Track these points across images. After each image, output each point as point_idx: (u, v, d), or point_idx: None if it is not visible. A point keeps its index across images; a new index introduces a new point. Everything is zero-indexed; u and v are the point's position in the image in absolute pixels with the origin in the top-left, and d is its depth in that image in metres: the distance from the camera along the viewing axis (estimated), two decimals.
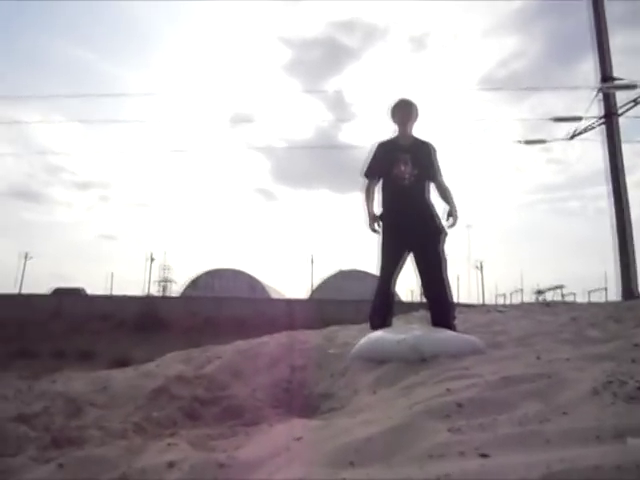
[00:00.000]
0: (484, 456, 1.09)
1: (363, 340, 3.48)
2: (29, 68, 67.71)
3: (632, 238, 16.43)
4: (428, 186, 4.19)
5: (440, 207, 4.21)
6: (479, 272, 39.11)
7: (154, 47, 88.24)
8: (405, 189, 4.09)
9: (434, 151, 4.26)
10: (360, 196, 4.27)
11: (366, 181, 4.27)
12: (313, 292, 36.62)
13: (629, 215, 16.57)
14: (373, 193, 4.23)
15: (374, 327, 3.94)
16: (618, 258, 16.45)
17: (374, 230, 4.12)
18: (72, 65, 71.91)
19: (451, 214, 4.08)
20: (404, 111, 4.24)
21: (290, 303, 27.58)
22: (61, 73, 70.13)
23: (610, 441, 1.06)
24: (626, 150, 17.42)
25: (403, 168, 4.12)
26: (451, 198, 4.15)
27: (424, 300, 4.43)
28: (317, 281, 38.64)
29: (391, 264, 4.10)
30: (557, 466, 0.90)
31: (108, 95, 52.23)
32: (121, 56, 79.24)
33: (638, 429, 1.10)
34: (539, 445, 1.10)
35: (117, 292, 32.84)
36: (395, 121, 4.27)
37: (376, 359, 3.17)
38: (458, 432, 1.30)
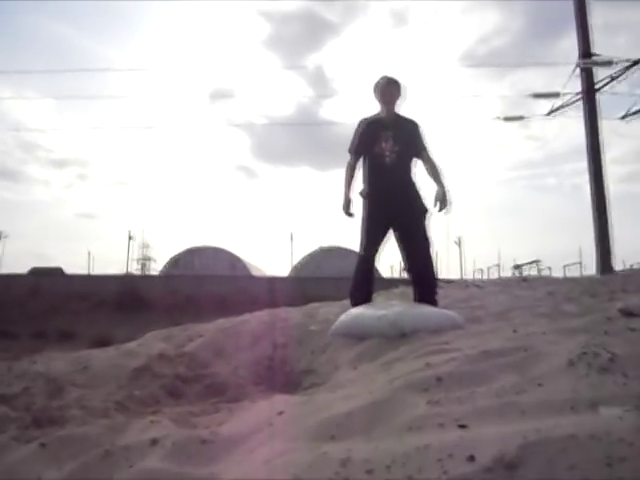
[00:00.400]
0: (462, 427, 1.11)
1: (343, 316, 3.51)
2: (2, 42, 65.67)
3: (608, 213, 16.70)
4: (411, 163, 4.18)
5: (429, 186, 4.18)
6: (458, 248, 39.47)
7: (132, 22, 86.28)
8: (387, 166, 4.08)
9: (418, 128, 4.23)
10: (343, 173, 4.26)
11: (351, 158, 4.26)
12: (293, 269, 36.69)
13: (606, 191, 16.83)
14: (354, 171, 4.22)
15: (355, 304, 3.97)
16: (595, 233, 16.73)
17: (348, 214, 4.13)
18: (49, 40, 70.15)
19: (439, 198, 4.02)
20: (388, 90, 4.21)
21: (271, 281, 27.60)
22: (37, 48, 68.41)
23: (584, 411, 1.09)
24: (603, 126, 17.59)
25: (384, 145, 4.11)
26: (440, 177, 4.10)
27: (404, 276, 4.49)
28: (297, 258, 38.72)
29: (372, 241, 4.11)
30: (533, 436, 0.92)
31: (84, 70, 51.12)
32: (99, 32, 77.39)
33: (610, 399, 1.14)
34: (516, 416, 1.13)
35: (96, 271, 32.58)
36: (378, 99, 4.24)
37: (357, 335, 3.20)
38: (437, 405, 1.33)
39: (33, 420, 2.32)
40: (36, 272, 30.53)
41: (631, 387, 1.21)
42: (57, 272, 31.17)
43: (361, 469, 0.99)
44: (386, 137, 4.12)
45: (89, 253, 35.40)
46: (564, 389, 1.26)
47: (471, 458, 0.91)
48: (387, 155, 4.08)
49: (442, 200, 4.01)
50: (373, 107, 4.34)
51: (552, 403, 1.16)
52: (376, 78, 4.31)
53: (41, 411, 2.45)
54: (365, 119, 4.30)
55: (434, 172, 4.12)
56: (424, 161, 4.16)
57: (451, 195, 4.07)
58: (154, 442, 1.64)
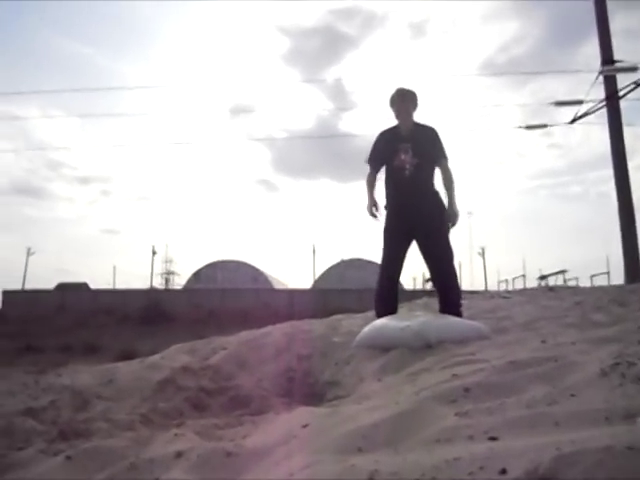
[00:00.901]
0: (493, 439, 1.08)
1: (367, 328, 3.48)
2: (27, 63, 67.45)
3: (635, 221, 16.38)
4: (433, 173, 4.17)
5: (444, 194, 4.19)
6: (481, 258, 39.03)
7: (152, 40, 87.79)
8: (407, 179, 4.09)
9: (436, 135, 4.21)
10: (363, 185, 4.27)
11: (368, 169, 4.27)
12: (316, 282, 36.65)
13: (631, 198, 16.52)
14: (374, 181, 4.23)
15: (379, 315, 3.95)
16: (622, 242, 16.41)
17: (373, 215, 4.14)
18: (70, 60, 71.67)
19: (449, 215, 4.04)
20: (402, 101, 4.22)
21: (293, 293, 27.64)
22: (59, 68, 69.91)
23: (620, 422, 1.06)
24: (627, 133, 17.34)
25: (403, 157, 4.11)
26: (452, 191, 4.09)
27: (427, 288, 4.50)
28: (319, 271, 38.69)
29: (393, 254, 4.12)
30: (567, 448, 0.89)
31: (107, 89, 52.10)
32: (119, 50, 78.83)
33: None
34: (548, 427, 1.10)
35: (120, 286, 32.95)
36: (394, 111, 4.26)
37: (381, 346, 3.17)
38: (466, 416, 1.29)
39: (59, 433, 2.33)
40: (62, 287, 31.00)
41: None
42: (83, 287, 31.62)
43: None
44: (405, 149, 4.12)
45: (114, 268, 35.83)
46: (598, 399, 1.22)
47: (503, 471, 0.89)
48: (407, 168, 4.09)
49: (451, 217, 4.03)
50: (392, 119, 4.36)
51: (586, 414, 1.13)
52: (391, 91, 4.34)
53: (67, 424, 2.47)
54: (383, 131, 4.32)
55: (448, 184, 4.11)
56: (442, 170, 4.16)
57: (458, 210, 4.08)
58: (179, 455, 1.63)
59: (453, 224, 4.04)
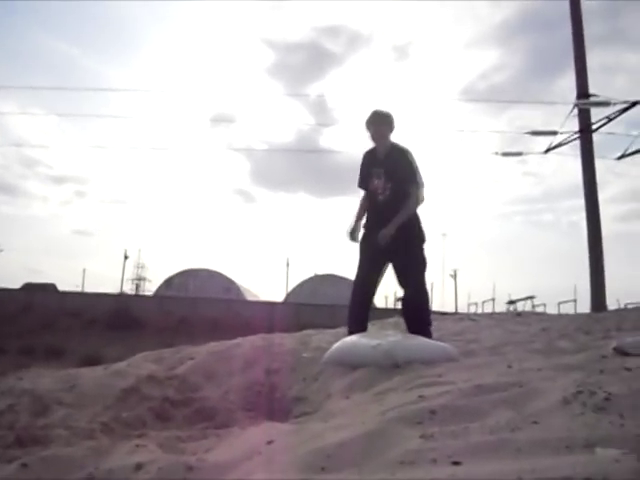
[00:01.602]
0: (456, 464, 1.09)
1: (337, 345, 3.48)
2: (9, 59, 66.19)
3: (602, 251, 16.75)
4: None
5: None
6: (453, 280, 39.38)
7: (137, 45, 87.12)
8: (380, 203, 4.16)
9: (408, 158, 4.21)
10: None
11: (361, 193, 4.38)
12: (288, 295, 36.53)
13: (600, 229, 16.91)
14: (362, 205, 4.32)
15: (350, 331, 3.96)
16: (590, 270, 16.75)
17: (351, 237, 4.21)
18: (53, 58, 70.63)
19: (382, 235, 3.98)
20: (377, 124, 4.24)
21: (266, 305, 27.49)
22: (41, 65, 68.76)
23: (580, 451, 1.07)
24: (599, 166, 17.79)
25: (376, 182, 4.19)
26: (402, 213, 4.04)
27: (398, 306, 4.53)
28: (293, 284, 38.58)
29: (365, 272, 4.16)
30: (528, 476, 0.90)
31: (88, 89, 51.18)
32: (104, 52, 77.95)
33: (606, 439, 1.12)
34: (511, 454, 1.11)
35: (90, 289, 32.34)
36: (370, 134, 4.27)
37: (350, 364, 3.17)
38: (430, 439, 1.30)
39: (16, 439, 2.27)
40: (29, 287, 30.30)
41: (628, 428, 1.19)
42: (50, 288, 30.95)
43: None
44: (378, 174, 4.19)
45: (84, 270, 35.21)
46: (559, 428, 1.24)
47: None
48: (380, 192, 4.17)
49: (380, 235, 3.97)
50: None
51: (547, 442, 1.14)
52: (368, 113, 4.34)
53: (25, 430, 2.41)
54: (365, 153, 4.41)
55: (403, 207, 4.06)
56: (406, 195, 4.11)
57: (390, 233, 3.97)
58: (139, 467, 1.60)
59: (379, 242, 3.97)
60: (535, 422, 1.33)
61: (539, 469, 0.92)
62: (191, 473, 1.50)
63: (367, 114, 4.32)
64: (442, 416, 1.51)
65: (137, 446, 1.94)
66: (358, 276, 4.21)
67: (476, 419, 1.44)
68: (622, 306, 21.63)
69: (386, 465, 1.18)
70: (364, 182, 4.29)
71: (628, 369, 1.90)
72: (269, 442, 1.62)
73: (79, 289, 32.09)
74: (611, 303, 16.89)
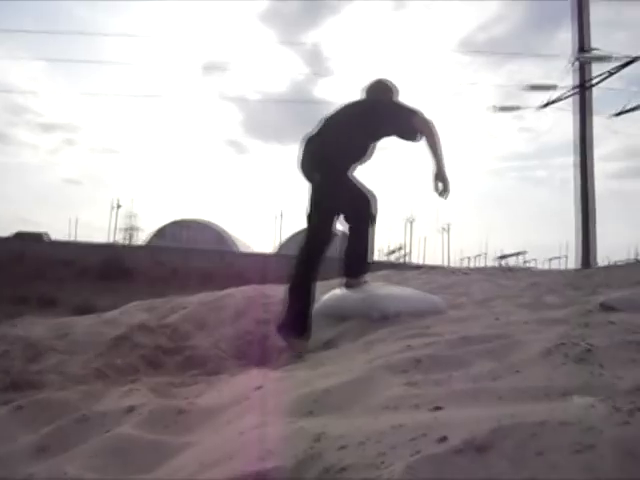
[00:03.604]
0: (438, 409, 1.12)
1: (327, 296, 3.52)
2: None
3: (594, 209, 16.83)
4: None
5: None
6: (445, 235, 39.59)
7: None
8: None
9: None
10: None
11: None
12: (281, 247, 36.66)
13: (593, 186, 16.92)
14: None
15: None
16: (578, 227, 16.86)
17: None
18: (41, 2, 68.16)
19: None
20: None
21: (259, 257, 27.59)
22: (29, 9, 66.43)
23: (558, 399, 1.11)
24: (596, 123, 17.63)
25: None
26: None
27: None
28: (286, 236, 38.66)
29: None
30: (506, 421, 0.93)
31: (76, 33, 49.81)
32: None
33: (585, 388, 1.16)
34: (491, 400, 1.15)
35: (81, 239, 32.31)
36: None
37: (339, 315, 3.21)
38: (414, 386, 1.34)
39: (11, 383, 2.32)
40: (21, 236, 30.19)
41: (606, 378, 1.22)
42: (42, 237, 30.85)
43: (335, 445, 1.00)
44: None
45: (76, 220, 35.06)
46: (540, 377, 1.28)
47: (443, 439, 0.92)
48: None
49: None
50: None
51: (527, 390, 1.18)
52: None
53: (19, 374, 2.45)
54: None
55: None
56: None
57: None
58: (131, 409, 1.65)
59: None
60: (517, 372, 1.37)
61: (518, 414, 0.95)
62: (182, 416, 1.54)
63: (382, 82, 3.87)
64: (427, 365, 1.55)
65: (129, 390, 1.98)
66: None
67: (460, 368, 1.48)
68: (612, 263, 21.92)
69: (370, 409, 1.22)
70: None
71: (612, 323, 1.94)
72: (258, 388, 1.67)
73: (71, 239, 32.09)
74: (601, 260, 17.11)
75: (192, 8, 69.75)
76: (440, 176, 3.33)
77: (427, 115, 3.49)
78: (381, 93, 3.82)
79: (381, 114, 3.62)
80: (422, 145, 3.48)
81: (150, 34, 79.52)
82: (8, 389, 2.28)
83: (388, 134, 3.69)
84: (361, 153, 3.65)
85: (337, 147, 3.50)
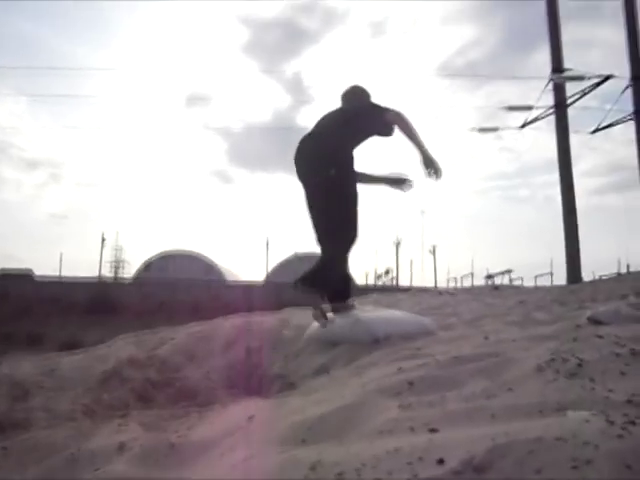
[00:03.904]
0: (433, 431, 1.12)
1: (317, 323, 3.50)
2: None
3: (577, 224, 17.04)
4: None
5: None
6: (432, 256, 39.73)
7: (110, 23, 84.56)
8: None
9: None
10: None
11: None
12: (269, 275, 36.52)
13: (575, 202, 17.17)
14: None
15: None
16: (565, 244, 17.05)
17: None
18: (22, 39, 68.47)
19: None
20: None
21: (246, 286, 27.47)
22: (10, 46, 66.71)
23: (552, 414, 1.11)
24: (574, 140, 18.00)
25: None
26: None
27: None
28: (273, 264, 38.55)
29: None
30: (502, 439, 0.93)
31: (59, 69, 50.00)
32: (75, 32, 75.99)
33: (577, 403, 1.16)
34: (485, 420, 1.14)
35: (67, 274, 31.89)
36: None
37: (330, 341, 3.20)
38: (408, 409, 1.33)
39: None
40: (5, 273, 29.81)
41: (598, 391, 1.22)
42: (27, 275, 30.49)
43: (331, 472, 0.98)
44: None
45: (61, 255, 34.67)
46: (533, 393, 1.28)
47: (440, 461, 0.92)
48: None
49: None
50: None
51: (521, 407, 1.18)
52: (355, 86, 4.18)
53: (4, 414, 2.39)
54: None
55: None
56: None
57: None
58: (122, 446, 1.61)
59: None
60: (510, 389, 1.36)
61: (512, 432, 0.95)
62: (173, 450, 1.51)
63: (357, 87, 4.02)
64: (420, 387, 1.54)
65: (119, 426, 1.94)
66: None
67: (453, 388, 1.48)
68: (597, 278, 22.11)
69: (365, 435, 1.20)
70: None
71: (600, 336, 1.95)
72: (250, 417, 1.64)
73: (56, 273, 31.70)
74: (587, 275, 17.26)
75: (174, 41, 70.57)
76: (427, 159, 3.36)
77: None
78: (358, 98, 3.99)
79: (362, 119, 3.70)
80: (400, 138, 3.52)
81: (132, 67, 79.91)
82: None
83: (368, 136, 3.75)
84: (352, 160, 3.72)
85: (342, 146, 3.63)
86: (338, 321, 3.34)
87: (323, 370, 2.77)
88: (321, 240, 3.63)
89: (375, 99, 3.95)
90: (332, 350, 3.05)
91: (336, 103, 4.17)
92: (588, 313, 2.86)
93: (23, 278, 28.66)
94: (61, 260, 34.78)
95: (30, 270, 31.71)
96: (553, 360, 1.50)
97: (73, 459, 1.57)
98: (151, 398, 2.83)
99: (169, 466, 1.42)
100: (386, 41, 75.34)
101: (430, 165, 3.36)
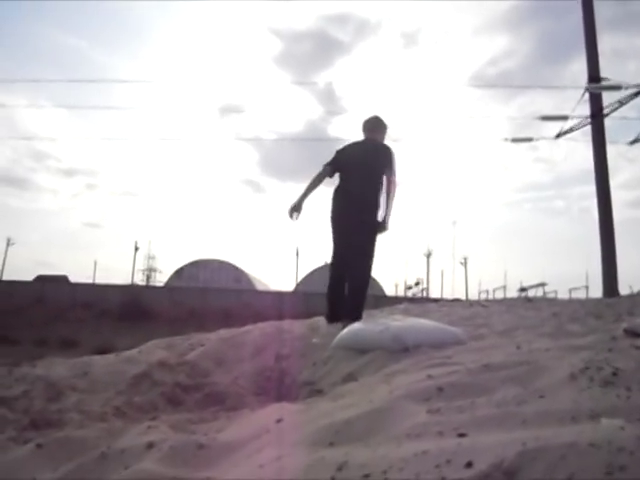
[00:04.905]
0: (462, 435, 1.10)
1: (346, 330, 3.50)
2: (16, 52, 66.48)
3: (614, 237, 16.63)
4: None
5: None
6: (463, 268, 39.24)
7: (145, 36, 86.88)
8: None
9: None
10: None
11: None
12: (298, 284, 36.62)
13: (612, 215, 16.77)
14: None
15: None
16: (601, 257, 16.64)
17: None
18: (61, 51, 70.76)
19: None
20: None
21: (275, 295, 27.58)
22: (49, 59, 68.96)
23: (585, 421, 1.08)
24: (610, 151, 17.63)
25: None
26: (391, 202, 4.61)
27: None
28: (303, 274, 38.65)
29: (344, 249, 4.75)
30: (533, 444, 0.91)
31: (96, 81, 51.18)
32: (111, 44, 78.09)
33: (612, 411, 1.12)
34: (516, 425, 1.12)
35: (101, 281, 32.60)
36: (384, 136, 4.88)
37: (359, 348, 3.18)
38: (437, 413, 1.31)
39: (31, 422, 2.31)
40: (42, 279, 30.59)
41: (634, 400, 1.19)
42: (62, 280, 31.22)
43: (358, 473, 0.98)
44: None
45: (95, 262, 35.47)
46: (565, 401, 1.25)
47: (469, 464, 0.90)
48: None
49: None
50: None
51: (553, 413, 1.15)
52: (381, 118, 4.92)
53: (39, 413, 2.45)
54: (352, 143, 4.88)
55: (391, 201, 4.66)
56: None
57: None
58: (150, 445, 1.63)
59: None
60: (541, 396, 1.33)
61: (543, 437, 0.93)
62: (202, 450, 1.53)
63: (381, 122, 4.91)
64: (449, 393, 1.52)
65: (149, 427, 1.96)
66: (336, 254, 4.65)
67: (483, 395, 1.45)
68: (634, 292, 21.48)
69: (393, 438, 1.19)
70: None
71: (637, 347, 1.90)
72: (278, 421, 1.64)
73: (90, 281, 32.40)
74: (623, 289, 16.78)
75: (209, 53, 71.81)
76: (387, 220, 4.43)
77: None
78: (381, 132, 4.86)
79: (383, 167, 4.54)
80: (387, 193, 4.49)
81: (167, 79, 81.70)
82: (28, 428, 2.27)
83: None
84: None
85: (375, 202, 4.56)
86: (367, 329, 3.33)
87: (351, 377, 2.76)
88: (355, 261, 4.49)
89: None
90: (361, 358, 3.03)
91: (369, 113, 4.69)
92: (624, 325, 2.79)
93: (58, 283, 29.34)
94: (95, 267, 35.62)
95: (65, 277, 32.46)
96: (587, 369, 1.47)
97: (103, 457, 1.59)
98: (180, 402, 2.86)
99: (197, 465, 1.44)
100: (418, 52, 75.33)
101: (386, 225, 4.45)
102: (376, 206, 4.49)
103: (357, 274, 4.48)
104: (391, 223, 4.44)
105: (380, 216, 4.45)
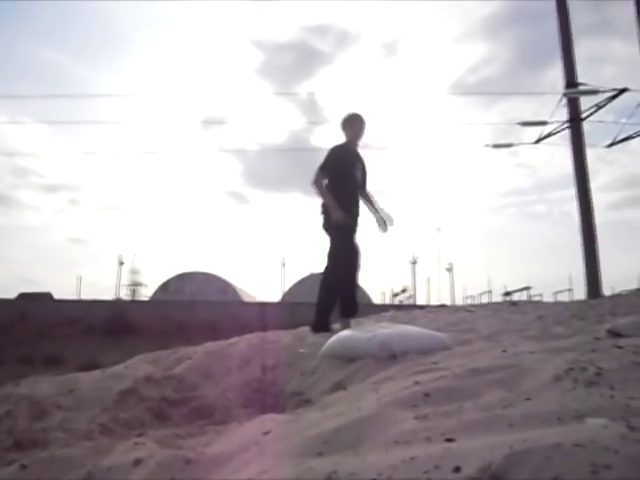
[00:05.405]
0: (449, 440, 1.10)
1: (333, 338, 3.50)
2: None
3: (596, 239, 16.85)
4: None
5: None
6: (449, 274, 39.40)
7: (126, 49, 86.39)
8: (356, 194, 5.03)
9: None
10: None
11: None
12: (285, 295, 36.51)
13: (593, 217, 16.99)
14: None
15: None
16: (584, 259, 16.84)
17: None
18: (41, 66, 70.04)
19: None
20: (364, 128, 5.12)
21: (262, 306, 27.45)
22: (30, 74, 68.35)
23: (570, 422, 1.09)
24: (590, 154, 17.91)
25: (358, 174, 4.97)
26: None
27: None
28: (289, 284, 38.55)
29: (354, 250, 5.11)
30: (519, 446, 0.91)
31: (78, 96, 50.93)
32: (92, 58, 77.39)
33: (597, 411, 1.14)
34: (503, 428, 1.12)
35: (86, 296, 32.22)
36: (361, 134, 5.06)
37: (346, 357, 3.18)
38: (425, 419, 1.31)
39: (15, 442, 2.27)
40: (25, 297, 30.15)
41: (617, 399, 1.20)
42: (46, 297, 30.79)
43: None
44: (358, 167, 5.01)
45: (80, 278, 35.07)
46: (551, 402, 1.26)
47: (457, 469, 0.90)
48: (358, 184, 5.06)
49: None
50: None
51: (539, 415, 1.16)
52: (350, 113, 5.07)
53: (23, 433, 2.40)
54: (340, 146, 4.97)
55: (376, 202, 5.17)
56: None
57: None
58: (137, 462, 1.61)
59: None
60: (527, 399, 1.34)
61: (530, 439, 0.93)
62: (189, 466, 1.51)
63: (359, 115, 5.04)
64: (436, 398, 1.52)
65: (136, 444, 1.94)
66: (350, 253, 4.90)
67: (470, 399, 1.46)
68: (617, 293, 21.75)
69: (381, 445, 1.19)
70: (350, 171, 4.87)
71: (619, 347, 1.92)
72: (266, 433, 1.63)
73: (75, 297, 32.01)
74: (606, 291, 17.00)
75: (190, 65, 71.80)
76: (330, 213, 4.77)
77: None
78: (343, 129, 5.04)
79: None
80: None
81: (148, 92, 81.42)
82: (11, 449, 2.23)
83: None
84: None
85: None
86: (355, 337, 3.33)
87: (340, 386, 2.76)
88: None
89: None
90: (348, 366, 3.03)
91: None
92: (607, 326, 2.82)
93: (41, 300, 28.92)
94: (80, 283, 35.21)
95: (49, 294, 32.03)
96: (571, 370, 1.48)
97: (89, 475, 1.57)
98: (167, 416, 2.83)
99: None
100: (399, 61, 75.98)
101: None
102: (325, 208, 4.85)
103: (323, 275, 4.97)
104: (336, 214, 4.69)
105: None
